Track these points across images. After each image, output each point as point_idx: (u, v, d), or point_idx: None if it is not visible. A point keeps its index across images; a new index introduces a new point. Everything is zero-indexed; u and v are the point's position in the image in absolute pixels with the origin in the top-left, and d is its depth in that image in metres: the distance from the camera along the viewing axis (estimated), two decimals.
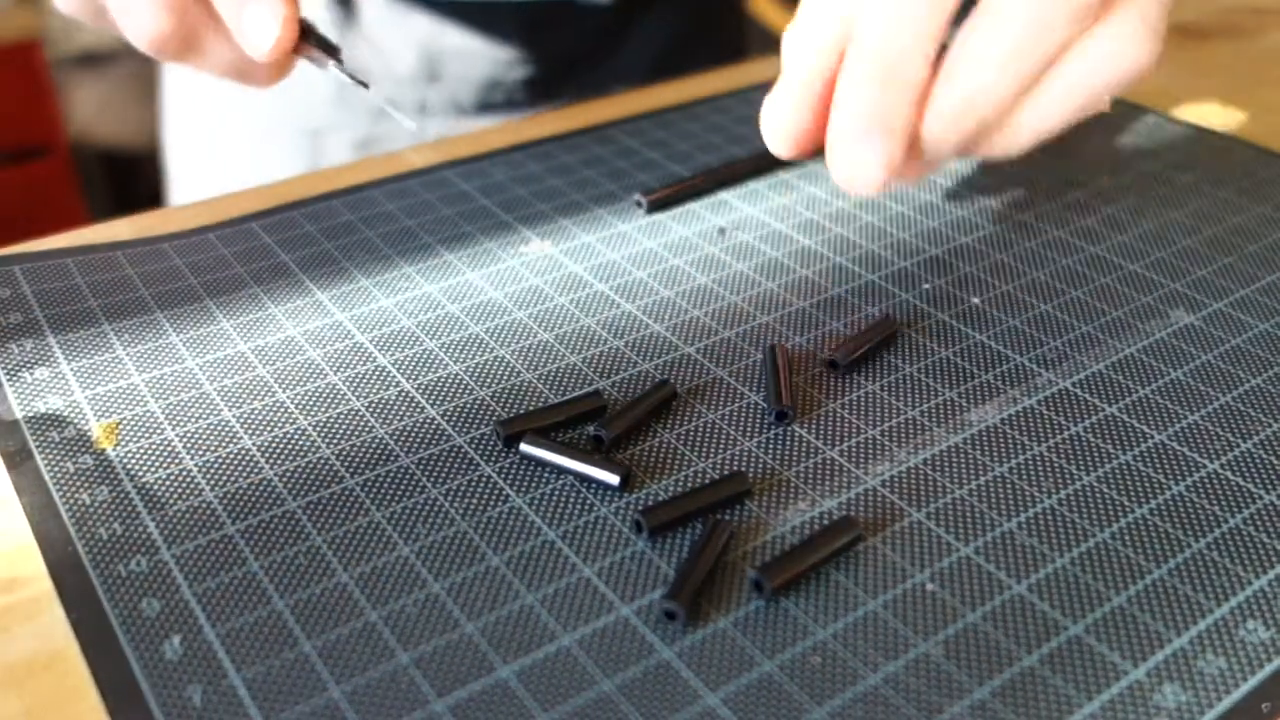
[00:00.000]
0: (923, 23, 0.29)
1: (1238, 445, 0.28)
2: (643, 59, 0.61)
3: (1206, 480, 0.27)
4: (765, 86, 0.48)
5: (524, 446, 0.27)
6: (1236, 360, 0.31)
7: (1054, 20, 0.29)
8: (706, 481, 0.27)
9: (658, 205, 0.36)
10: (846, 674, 0.22)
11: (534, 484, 0.26)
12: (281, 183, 0.40)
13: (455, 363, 0.31)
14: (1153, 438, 0.28)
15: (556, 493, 0.26)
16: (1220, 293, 0.34)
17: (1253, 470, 0.27)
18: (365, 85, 0.34)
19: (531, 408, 0.29)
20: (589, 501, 0.26)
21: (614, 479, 0.26)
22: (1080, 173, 0.41)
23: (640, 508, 0.25)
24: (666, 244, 0.36)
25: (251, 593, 0.23)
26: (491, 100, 0.59)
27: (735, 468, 0.27)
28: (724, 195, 0.39)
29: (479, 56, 0.57)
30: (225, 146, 0.65)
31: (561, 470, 0.27)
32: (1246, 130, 0.45)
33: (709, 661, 0.22)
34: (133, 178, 1.78)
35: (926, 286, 0.34)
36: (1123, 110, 0.46)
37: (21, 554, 0.25)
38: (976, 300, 0.34)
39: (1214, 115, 0.46)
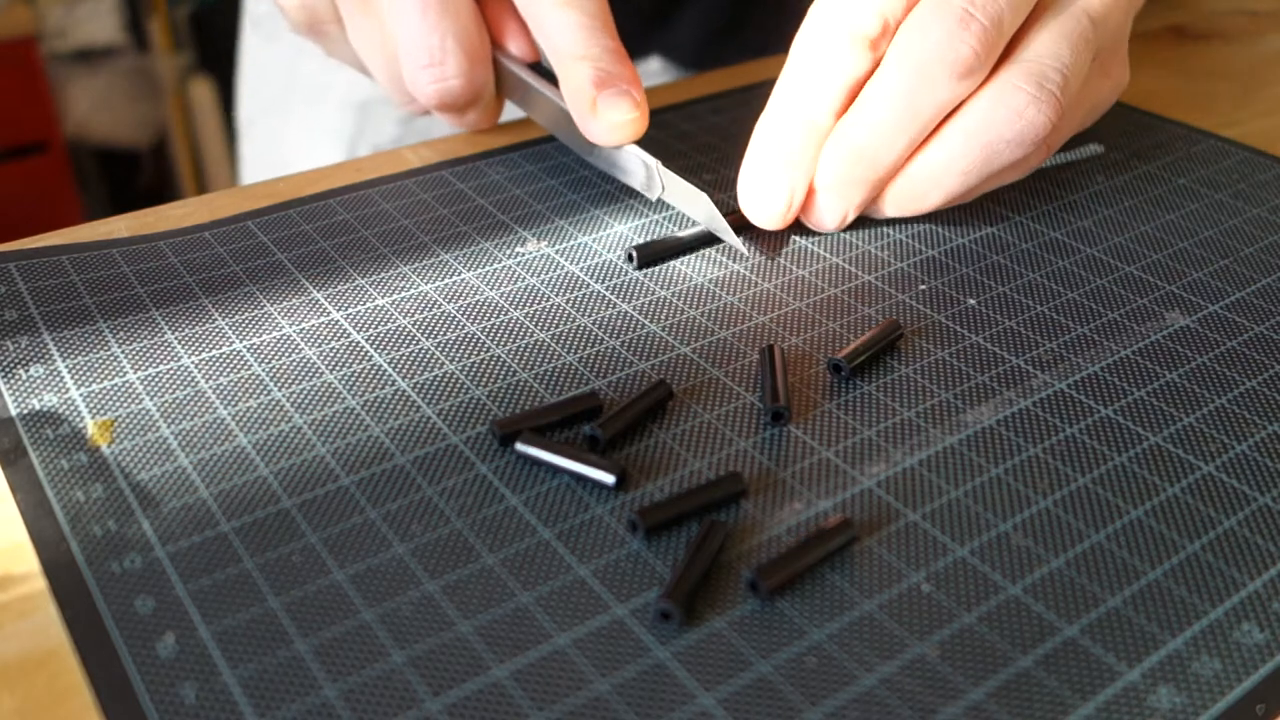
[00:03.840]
0: (827, 80, 0.34)
1: (1233, 448, 0.28)
2: (689, 41, 0.62)
3: (1202, 482, 0.27)
4: (765, 86, 0.48)
5: (519, 446, 0.27)
6: (1232, 363, 0.31)
7: (933, 73, 0.32)
8: (702, 481, 0.27)
9: (648, 262, 0.36)
10: (842, 675, 0.22)
11: (530, 483, 0.26)
12: (279, 180, 0.40)
13: (451, 361, 0.31)
14: (1148, 440, 0.28)
15: (552, 492, 0.26)
16: (1216, 295, 0.34)
17: (1248, 473, 0.27)
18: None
19: (528, 407, 0.29)
20: (584, 501, 0.26)
21: (610, 479, 0.26)
22: (1076, 174, 0.41)
23: (636, 508, 0.25)
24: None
25: (245, 591, 0.23)
26: None
27: (731, 468, 0.27)
28: (721, 195, 0.39)
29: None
30: (287, 118, 0.66)
31: (557, 470, 0.27)
32: (1242, 133, 0.45)
33: (704, 662, 0.22)
34: (129, 175, 1.78)
35: (923, 288, 0.34)
36: (1119, 113, 0.46)
37: (15, 552, 0.25)
38: (973, 301, 0.34)
39: (1210, 118, 0.46)
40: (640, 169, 0.37)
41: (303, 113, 0.65)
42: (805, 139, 0.34)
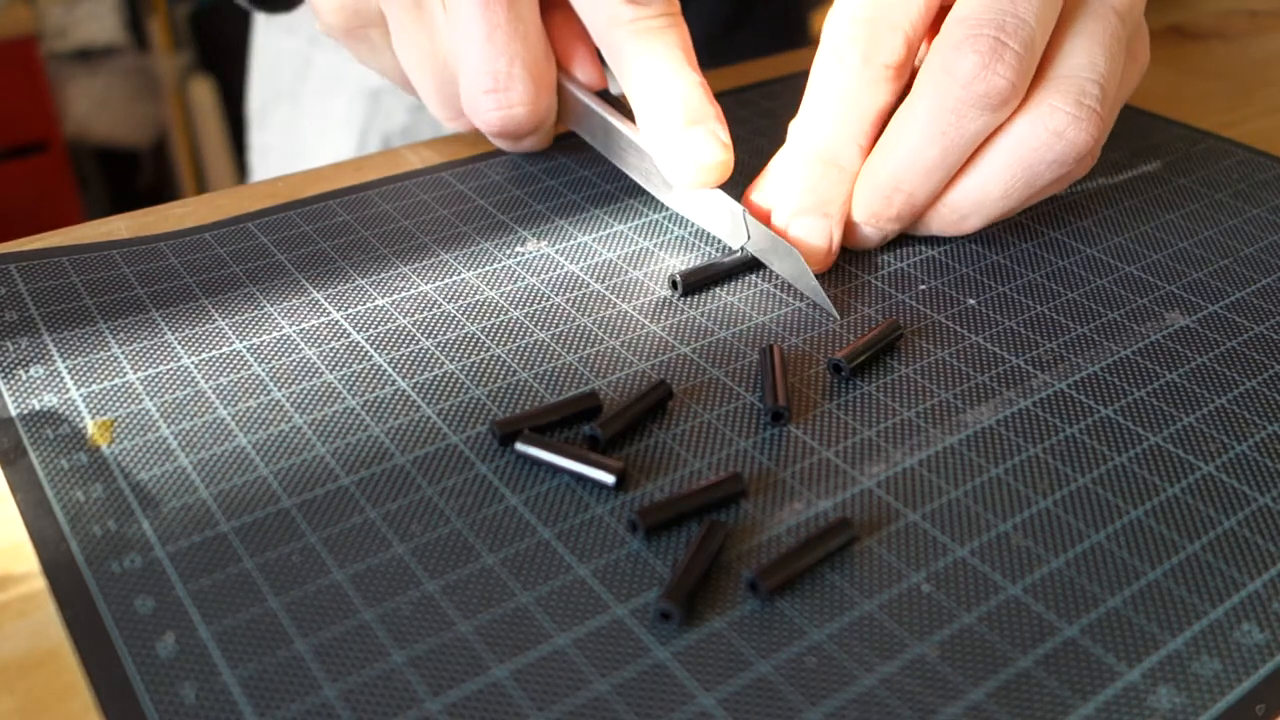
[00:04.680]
0: (851, 121, 0.33)
1: (1233, 448, 0.28)
2: (694, 35, 0.62)
3: (1202, 483, 0.27)
4: (765, 86, 0.48)
5: (519, 445, 0.27)
6: (1231, 363, 0.31)
7: (960, 108, 0.31)
8: (702, 482, 0.27)
9: (692, 289, 0.34)
10: (842, 675, 0.22)
11: (529, 483, 0.26)
12: (278, 180, 0.40)
13: (451, 361, 0.31)
14: (1148, 440, 0.28)
15: (552, 492, 0.26)
16: (1216, 295, 0.34)
17: (1248, 473, 0.27)
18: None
19: (528, 407, 0.29)
20: (584, 501, 0.26)
21: (609, 479, 0.26)
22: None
23: (636, 508, 0.25)
24: (663, 244, 0.36)
25: (245, 591, 0.23)
26: None
27: (731, 468, 0.27)
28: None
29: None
30: (299, 108, 0.67)
31: (556, 469, 0.27)
32: (1242, 133, 0.45)
33: (704, 662, 0.22)
34: (129, 175, 1.78)
35: (923, 288, 0.34)
36: (1120, 113, 0.46)
37: (15, 551, 0.25)
38: (973, 301, 0.34)
39: (1210, 117, 0.46)
40: (726, 216, 0.35)
41: (314, 102, 0.65)
42: (837, 181, 0.33)
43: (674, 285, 0.34)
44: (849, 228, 0.35)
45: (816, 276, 0.33)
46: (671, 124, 0.34)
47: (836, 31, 0.33)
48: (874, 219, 0.34)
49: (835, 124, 0.33)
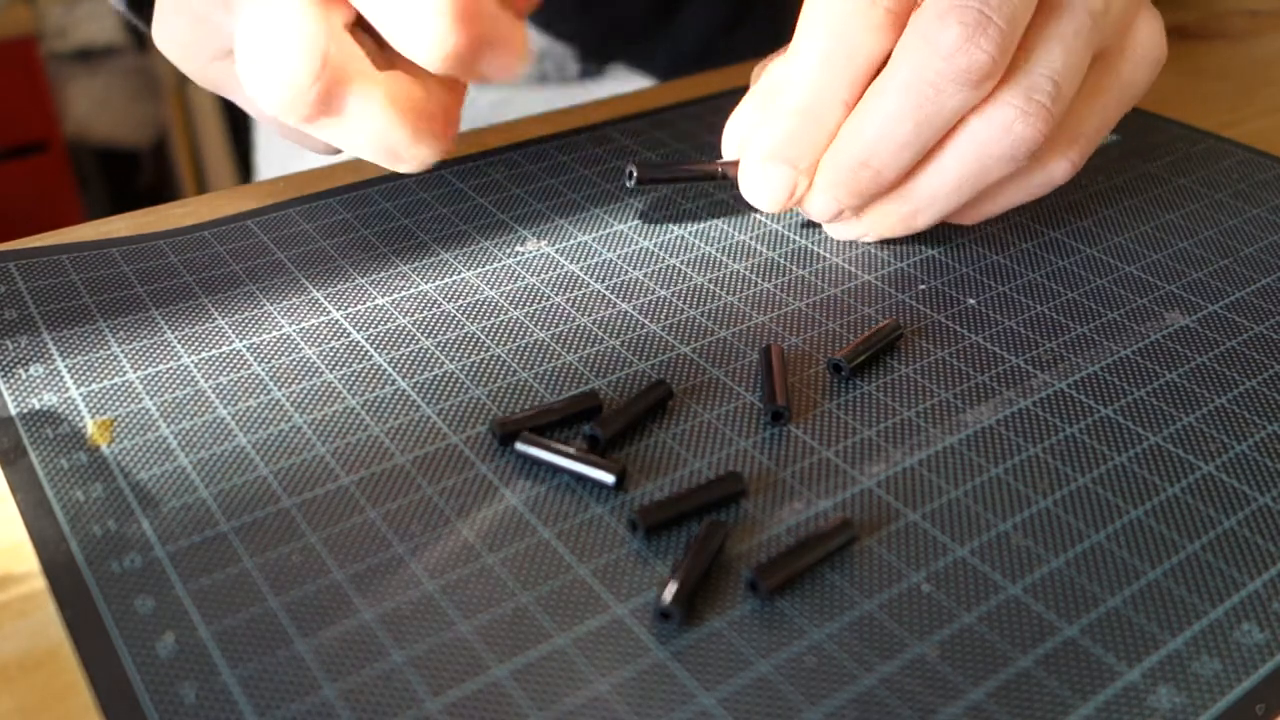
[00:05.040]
0: (840, 70, 0.32)
1: (1233, 447, 0.28)
2: (693, 34, 0.62)
3: (1201, 482, 0.27)
4: (741, 92, 0.48)
5: (519, 445, 0.27)
6: (1231, 363, 0.31)
7: (940, 82, 0.30)
8: (702, 481, 0.27)
9: (646, 181, 0.35)
10: (842, 675, 0.22)
11: (529, 483, 0.26)
12: (278, 179, 0.40)
13: (451, 361, 0.31)
14: (1148, 440, 0.28)
15: (552, 492, 0.26)
16: (1215, 295, 0.34)
17: (1248, 473, 0.27)
18: None
19: (528, 407, 0.29)
20: (584, 501, 0.26)
21: (609, 478, 0.26)
22: (1077, 174, 0.41)
23: (636, 507, 0.25)
24: (663, 244, 0.36)
25: (245, 591, 0.23)
26: (543, 71, 0.61)
27: (731, 468, 0.27)
28: (719, 195, 0.39)
29: (530, 26, 0.58)
30: None
31: (557, 469, 0.27)
32: (1243, 133, 0.45)
33: (705, 662, 0.22)
34: (129, 175, 1.78)
35: (923, 287, 0.34)
36: None
37: (14, 551, 0.25)
38: (973, 301, 0.34)
39: (1210, 117, 0.46)
40: None
41: None
42: (814, 136, 0.32)
43: (630, 176, 0.35)
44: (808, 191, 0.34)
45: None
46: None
47: None
48: (836, 193, 0.33)
49: (824, 72, 0.32)
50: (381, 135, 0.31)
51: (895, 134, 0.31)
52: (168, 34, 0.34)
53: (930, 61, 0.30)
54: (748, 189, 0.34)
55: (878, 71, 0.32)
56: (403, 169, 0.32)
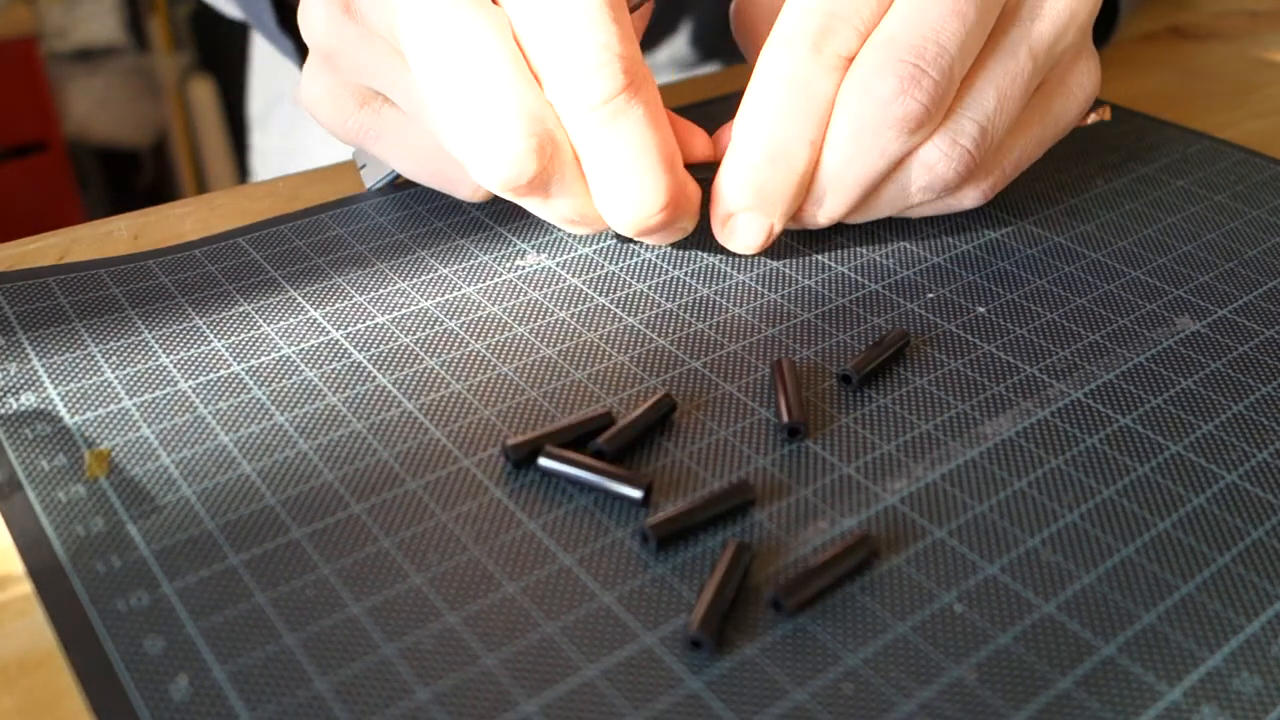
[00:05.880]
0: (803, 114, 0.32)
1: (1254, 455, 0.28)
2: (694, 38, 0.61)
3: (1226, 492, 0.27)
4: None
5: (542, 461, 0.26)
6: (1245, 368, 0.31)
7: (883, 132, 0.31)
8: (711, 491, 0.26)
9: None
10: (880, 702, 0.21)
11: (546, 507, 0.26)
12: (277, 180, 0.39)
13: (457, 381, 0.30)
14: (1169, 449, 0.28)
15: (570, 516, 0.26)
16: (1224, 299, 0.34)
17: (1271, 481, 0.27)
18: None
19: (539, 427, 0.28)
20: (604, 525, 0.25)
21: (637, 493, 0.25)
22: (1076, 178, 0.41)
23: (647, 521, 0.25)
24: (664, 255, 0.36)
25: (259, 628, 0.22)
26: None
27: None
28: None
29: None
30: (299, 110, 0.65)
31: (582, 485, 0.26)
32: (1241, 133, 0.45)
33: (739, 692, 0.22)
34: (129, 175, 1.75)
35: (931, 296, 0.34)
36: (1115, 113, 0.46)
37: (12, 551, 0.24)
38: (982, 309, 0.33)
39: (1209, 117, 0.46)
40: None
41: None
42: (784, 180, 0.32)
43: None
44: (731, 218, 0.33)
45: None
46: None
47: (787, 22, 0.32)
48: (774, 209, 0.33)
49: (785, 117, 0.31)
50: (576, 216, 0.32)
51: (844, 177, 0.32)
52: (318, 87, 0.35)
53: (869, 109, 0.31)
54: (727, 239, 0.33)
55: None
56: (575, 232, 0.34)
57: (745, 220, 0.33)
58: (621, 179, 0.30)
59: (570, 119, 0.30)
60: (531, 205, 0.32)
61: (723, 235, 0.33)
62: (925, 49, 0.30)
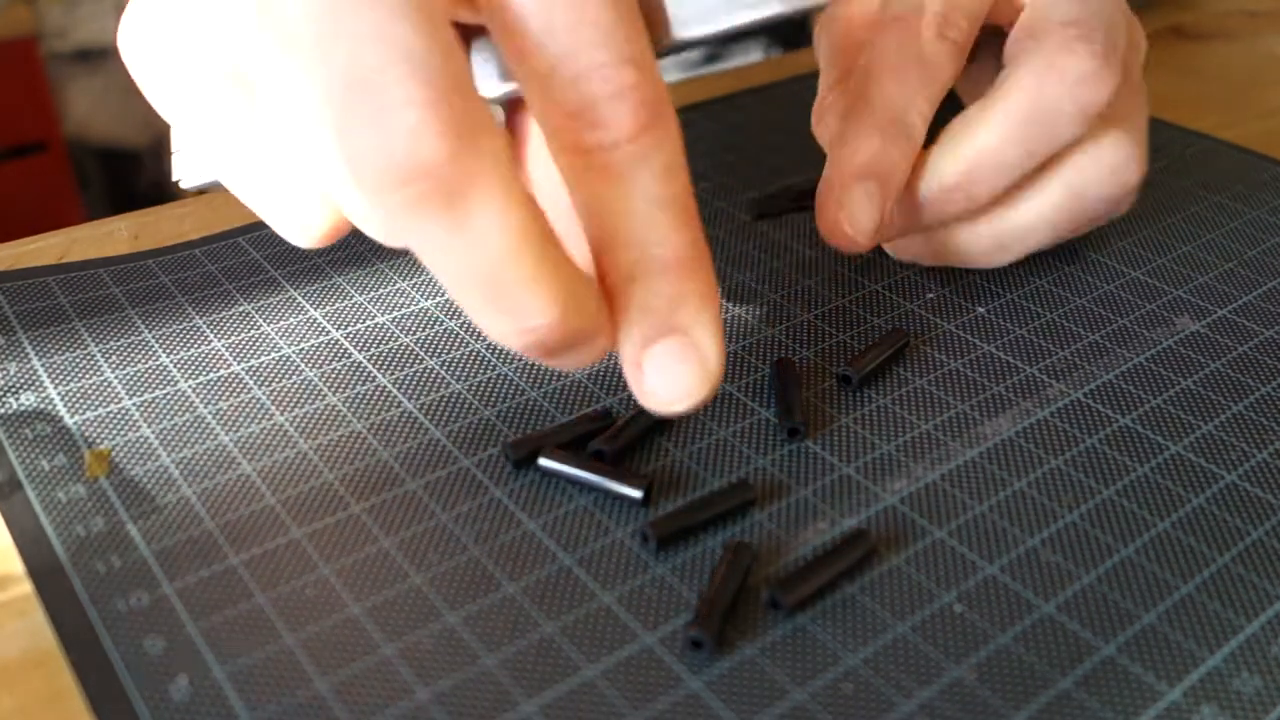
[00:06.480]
0: (919, 86, 0.30)
1: (1254, 455, 0.28)
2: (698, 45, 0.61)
3: (1225, 492, 0.27)
4: (760, 91, 0.47)
5: (542, 461, 0.26)
6: (1245, 368, 0.31)
7: (1058, 110, 0.29)
8: (711, 490, 0.26)
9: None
10: (880, 702, 0.21)
11: (546, 507, 0.26)
12: None
13: (457, 381, 0.30)
14: (1168, 449, 0.28)
15: (570, 516, 0.26)
16: (1223, 299, 0.34)
17: (1271, 481, 0.27)
18: None
19: (539, 427, 0.28)
20: (604, 525, 0.25)
21: (637, 493, 0.25)
22: None
23: (647, 520, 0.25)
24: None
25: (259, 628, 0.22)
26: None
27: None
28: (717, 204, 0.39)
29: None
30: None
31: (582, 485, 0.26)
32: (1241, 134, 0.45)
33: (739, 692, 0.22)
34: (129, 175, 1.75)
35: (931, 295, 0.34)
36: None
37: (11, 552, 0.24)
38: (982, 309, 0.33)
39: (1209, 117, 0.46)
40: None
41: None
42: (902, 151, 0.30)
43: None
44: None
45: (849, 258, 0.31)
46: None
47: (905, 6, 0.30)
48: (922, 212, 0.31)
49: (907, 88, 0.30)
50: (502, 263, 0.19)
51: (1000, 157, 0.30)
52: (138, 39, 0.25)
53: (1053, 89, 0.29)
54: (833, 217, 0.30)
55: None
56: (505, 336, 0.20)
57: (861, 191, 0.29)
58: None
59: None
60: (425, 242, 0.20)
61: (836, 211, 0.30)
62: (1112, 38, 0.29)
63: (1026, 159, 0.30)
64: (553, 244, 0.20)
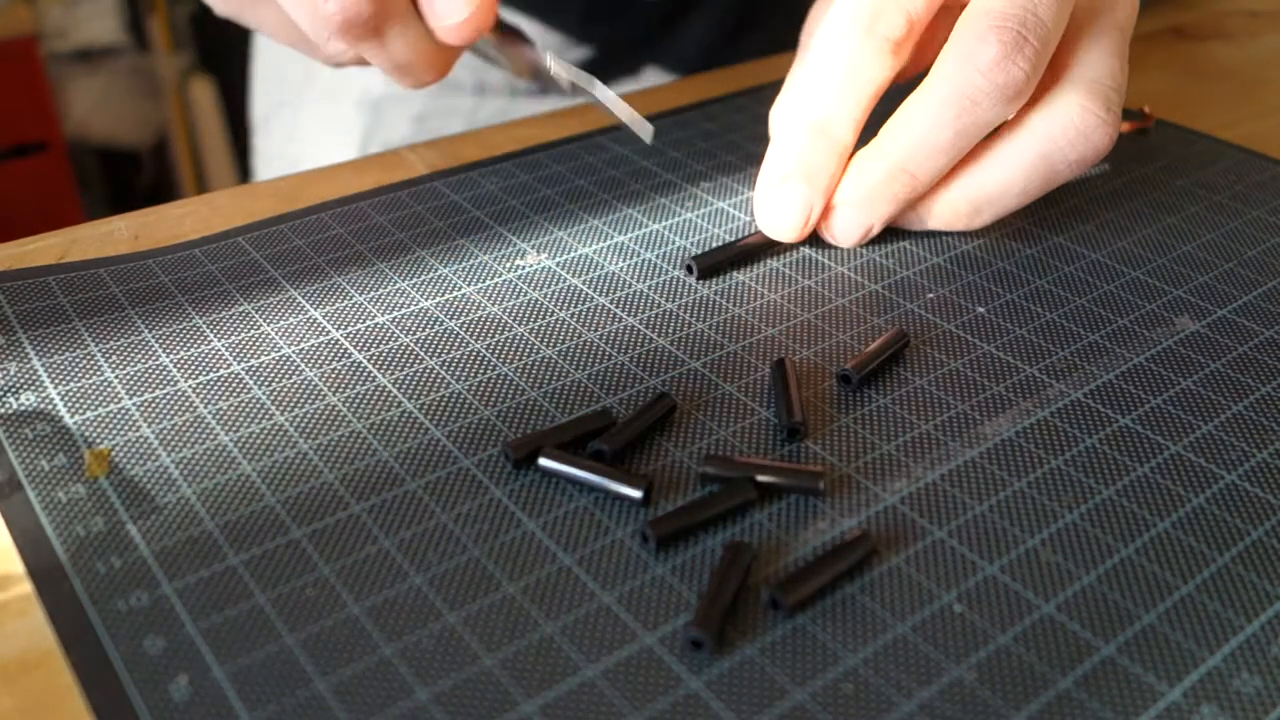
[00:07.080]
0: (846, 86, 0.33)
1: (1253, 455, 0.28)
2: (696, 45, 0.62)
3: (1225, 492, 0.27)
4: (759, 91, 0.47)
5: (543, 461, 0.26)
6: (1245, 368, 0.31)
7: (983, 97, 0.32)
8: (712, 490, 0.26)
9: (707, 273, 0.34)
10: (880, 702, 0.21)
11: (546, 507, 0.26)
12: (278, 180, 0.39)
13: (457, 381, 0.30)
14: (1168, 449, 0.28)
15: (570, 516, 0.26)
16: (1223, 299, 0.34)
17: (1271, 481, 0.27)
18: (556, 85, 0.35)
19: (539, 426, 0.28)
20: (604, 525, 0.25)
21: (637, 493, 0.25)
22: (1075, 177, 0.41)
23: (647, 520, 0.25)
24: (664, 255, 0.36)
25: (259, 628, 0.22)
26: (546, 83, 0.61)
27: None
28: (718, 204, 0.39)
29: (535, 38, 0.58)
30: (301, 115, 0.66)
31: (582, 485, 0.26)
32: (1241, 133, 0.45)
33: (739, 692, 0.22)
34: (129, 175, 1.75)
35: (931, 296, 0.34)
36: None
37: (11, 551, 0.24)
38: (982, 309, 0.33)
39: (1209, 117, 0.46)
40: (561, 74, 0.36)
41: (316, 110, 0.64)
42: (826, 151, 0.34)
43: (690, 270, 0.34)
44: (828, 214, 0.35)
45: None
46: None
47: (839, 6, 0.33)
48: (871, 206, 0.34)
49: (832, 94, 0.33)
50: (408, 58, 0.33)
51: (932, 141, 0.32)
52: None
53: (970, 76, 0.31)
54: (763, 215, 0.35)
55: (880, 94, 0.34)
56: (408, 85, 0.35)
57: (785, 191, 0.34)
58: None
59: None
60: (371, 53, 0.33)
61: (760, 211, 0.34)
62: (1026, 19, 0.31)
63: (958, 139, 0.32)
64: None
